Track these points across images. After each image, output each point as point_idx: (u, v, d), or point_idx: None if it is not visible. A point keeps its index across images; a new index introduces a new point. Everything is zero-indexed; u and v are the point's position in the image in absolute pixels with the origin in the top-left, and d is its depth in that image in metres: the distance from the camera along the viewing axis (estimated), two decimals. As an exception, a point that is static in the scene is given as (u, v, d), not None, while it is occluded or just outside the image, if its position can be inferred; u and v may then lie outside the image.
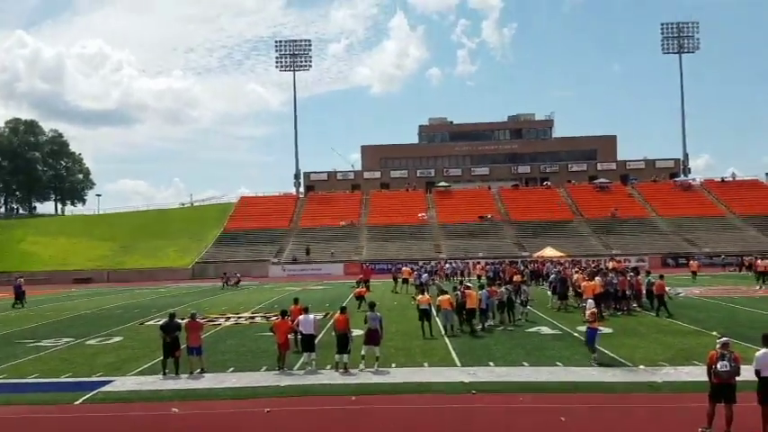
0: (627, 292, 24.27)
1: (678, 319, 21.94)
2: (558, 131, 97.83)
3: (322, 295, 34.82)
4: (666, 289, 23.90)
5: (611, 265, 35.63)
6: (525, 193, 77.75)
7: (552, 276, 28.65)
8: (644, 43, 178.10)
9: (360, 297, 26.86)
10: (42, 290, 41.49)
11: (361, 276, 36.52)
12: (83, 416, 11.89)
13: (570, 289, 26.31)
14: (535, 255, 50.46)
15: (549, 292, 27.74)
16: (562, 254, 49.40)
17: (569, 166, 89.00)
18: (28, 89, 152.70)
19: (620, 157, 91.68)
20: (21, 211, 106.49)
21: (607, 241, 61.31)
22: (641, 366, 14.72)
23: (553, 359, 15.69)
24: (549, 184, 79.88)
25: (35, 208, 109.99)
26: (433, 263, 49.08)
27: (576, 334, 19.33)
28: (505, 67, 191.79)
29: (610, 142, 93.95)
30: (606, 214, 66.86)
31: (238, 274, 47.05)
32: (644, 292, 25.24)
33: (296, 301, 18.41)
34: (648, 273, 27.76)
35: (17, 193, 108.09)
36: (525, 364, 15.23)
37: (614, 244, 60.15)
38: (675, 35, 79.59)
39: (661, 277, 24.31)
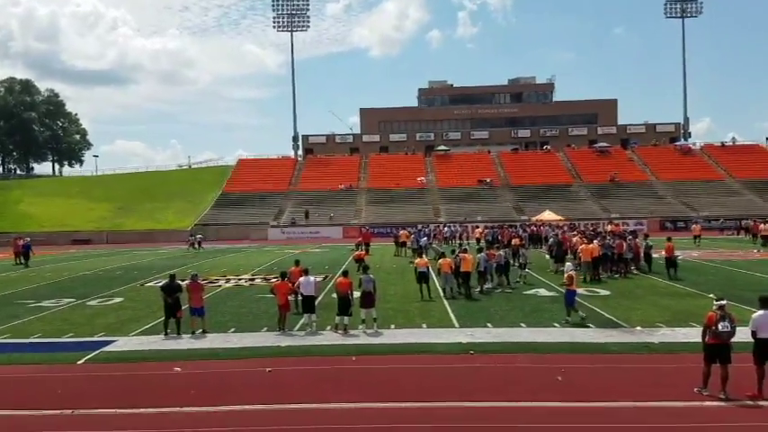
0: (625, 256, 24.40)
1: (676, 282, 22.14)
2: (559, 95, 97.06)
3: (321, 258, 34.96)
4: (662, 252, 24.07)
5: (609, 228, 35.75)
6: (525, 157, 77.43)
7: (551, 240, 28.75)
8: (647, 6, 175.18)
9: (359, 260, 26.91)
10: (41, 251, 41.57)
11: (360, 239, 36.65)
12: (86, 375, 12.04)
13: (569, 252, 26.43)
14: (534, 218, 50.58)
15: (547, 256, 27.90)
16: (561, 218, 49.51)
17: (569, 130, 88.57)
18: (22, 48, 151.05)
19: (620, 121, 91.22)
20: (18, 172, 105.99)
21: (606, 205, 61.38)
22: (638, 327, 14.89)
23: (550, 321, 15.86)
24: (548, 148, 79.56)
25: (32, 168, 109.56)
26: (431, 226, 49.18)
27: (573, 297, 19.47)
28: (507, 29, 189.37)
29: (610, 106, 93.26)
30: (605, 178, 66.77)
31: (200, 236, 47.03)
32: (642, 255, 25.44)
33: (297, 262, 18.53)
34: (646, 236, 27.84)
35: (14, 153, 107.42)
36: (523, 325, 15.39)
37: (613, 208, 60.23)
38: (678, -1, 78.21)
39: (669, 239, 24.51)
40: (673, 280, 22.53)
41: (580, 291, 20.30)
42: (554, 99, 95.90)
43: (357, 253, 28.95)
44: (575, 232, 32.41)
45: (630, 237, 27.11)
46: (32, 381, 11.66)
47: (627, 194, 64.03)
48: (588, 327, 15.04)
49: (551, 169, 71.23)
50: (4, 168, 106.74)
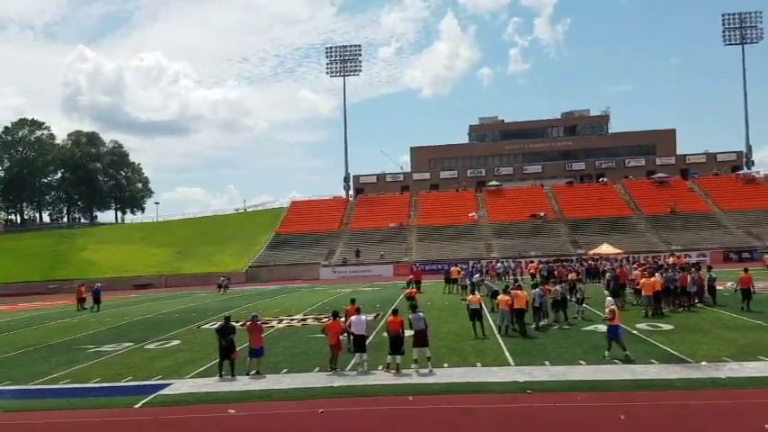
0: (689, 289, 23.39)
1: (743, 315, 21.08)
2: (615, 127, 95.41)
3: (372, 296, 34.86)
4: (728, 284, 22.98)
5: (671, 260, 34.45)
6: (580, 189, 75.96)
7: (608, 274, 27.83)
8: (704, 35, 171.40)
9: (411, 298, 26.57)
10: (103, 296, 43.00)
11: (411, 277, 36.38)
12: (143, 419, 12.18)
13: (629, 286, 25.53)
14: (591, 252, 49.25)
15: (606, 291, 26.97)
16: (619, 251, 48.07)
17: (626, 161, 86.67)
18: (89, 102, 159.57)
19: (679, 151, 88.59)
20: (82, 221, 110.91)
21: (666, 237, 59.30)
22: (703, 363, 14.17)
23: (611, 357, 15.20)
24: (605, 180, 77.83)
25: (96, 217, 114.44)
26: (483, 262, 48.53)
27: (634, 332, 18.76)
28: (559, 64, 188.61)
29: (668, 136, 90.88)
30: (665, 210, 64.70)
31: (226, 279, 48.02)
32: (706, 287, 24.35)
33: (353, 301, 18.44)
34: (710, 268, 26.64)
35: (79, 203, 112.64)
36: (582, 362, 14.83)
37: (674, 239, 58.12)
38: (737, 26, 76.27)
39: (746, 270, 23.48)
40: (745, 313, 21.43)
41: (641, 325, 19.66)
42: (610, 131, 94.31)
43: (408, 291, 28.58)
44: (635, 265, 31.35)
45: (693, 269, 25.98)
46: (91, 425, 11.88)
47: (688, 225, 61.76)
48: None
49: (608, 201, 69.59)
50: (68, 217, 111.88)
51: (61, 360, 19.06)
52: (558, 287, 21.63)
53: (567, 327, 20.16)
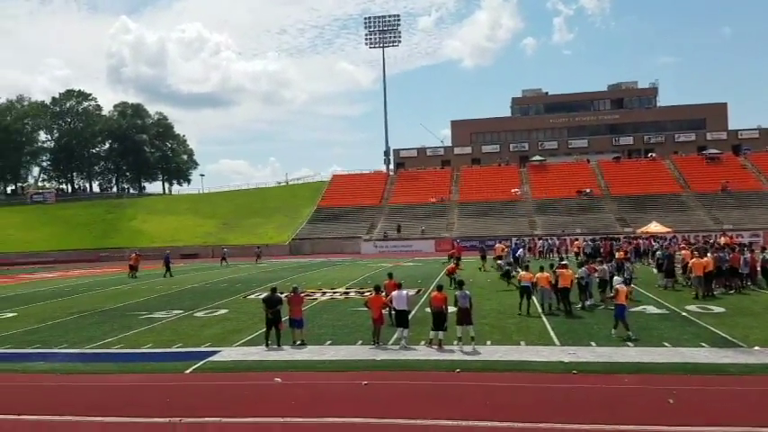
0: (741, 270, 22.65)
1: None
2: (664, 100, 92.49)
3: (413, 272, 34.93)
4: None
5: (722, 240, 33.43)
6: (628, 165, 74.00)
7: (658, 253, 27.16)
8: (757, 3, 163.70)
9: (451, 274, 26.55)
10: (151, 265, 44.29)
11: (453, 252, 36.27)
12: (193, 384, 12.58)
13: (679, 266, 24.91)
14: (639, 230, 48.19)
15: (655, 270, 26.42)
16: (668, 229, 46.90)
17: (676, 136, 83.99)
18: (133, 74, 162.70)
19: (731, 126, 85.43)
20: (131, 191, 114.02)
21: (717, 215, 57.45)
22: (756, 347, 13.75)
23: (660, 339, 14.95)
24: (653, 155, 75.54)
25: (144, 188, 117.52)
26: (525, 239, 48.00)
27: (684, 313, 18.36)
28: (606, 33, 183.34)
29: (720, 110, 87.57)
30: (716, 187, 62.58)
31: (226, 250, 50.64)
32: (759, 269, 23.54)
33: (390, 275, 18.61)
34: (764, 249, 25.72)
35: (127, 173, 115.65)
36: (629, 344, 14.56)
37: (725, 218, 56.26)
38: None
39: None
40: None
41: (691, 307, 19.20)
42: (658, 104, 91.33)
43: (449, 267, 28.58)
44: (683, 245, 30.54)
45: (746, 249, 25.13)
46: (143, 389, 12.31)
47: (740, 204, 59.64)
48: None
49: (657, 178, 67.70)
50: (117, 188, 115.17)
51: (114, 326, 19.78)
52: (605, 266, 21.25)
53: (613, 307, 19.78)
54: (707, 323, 16.68)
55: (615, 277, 17.80)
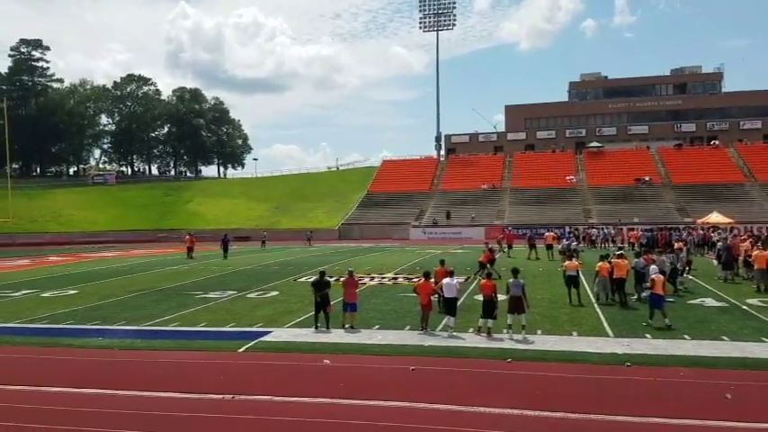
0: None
1: None
2: (729, 86, 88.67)
3: (463, 259, 34.64)
4: None
5: (789, 233, 31.88)
6: (689, 153, 71.34)
7: (719, 245, 26.14)
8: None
9: (486, 263, 24.89)
10: (207, 246, 45.47)
11: (502, 237, 35.87)
12: (245, 363, 12.86)
13: (740, 258, 23.92)
14: (699, 221, 46.48)
15: (715, 262, 25.46)
16: (731, 220, 45.07)
17: (741, 123, 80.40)
18: (191, 59, 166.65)
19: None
20: (188, 174, 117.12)
21: (784, 207, 54.83)
22: (827, 346, 13.05)
23: (718, 333, 14.41)
24: (717, 143, 72.57)
25: (200, 171, 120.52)
26: (580, 228, 46.98)
27: (744, 307, 17.67)
28: (669, 16, 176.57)
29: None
30: (783, 177, 59.70)
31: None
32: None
33: (442, 262, 18.60)
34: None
35: (185, 157, 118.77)
36: (686, 337, 14.09)
37: (793, 210, 53.65)
38: None
39: None
40: None
41: (753, 301, 18.44)
42: (723, 90, 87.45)
43: (484, 255, 26.38)
44: (744, 236, 29.29)
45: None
46: (198, 366, 12.67)
47: (811, 195, 56.70)
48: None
49: (720, 166, 65.07)
50: (175, 170, 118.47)
51: (171, 304, 20.43)
52: (663, 257, 20.57)
53: (671, 299, 19.19)
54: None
55: (652, 266, 17.29)
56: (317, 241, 54.87)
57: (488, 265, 23.66)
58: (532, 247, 34.84)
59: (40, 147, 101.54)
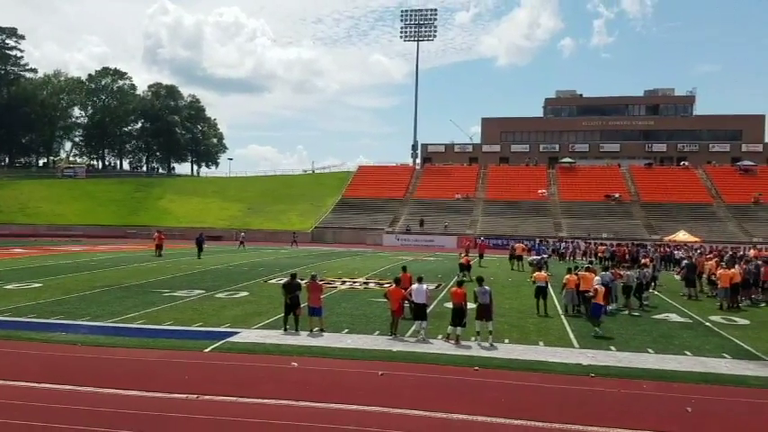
0: (768, 284, 22.19)
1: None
2: (700, 109, 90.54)
3: (434, 267, 34.87)
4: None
5: (751, 253, 32.77)
6: (659, 172, 72.79)
7: (684, 261, 26.74)
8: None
9: (465, 267, 27.61)
10: (177, 244, 44.88)
11: (468, 245, 36.52)
12: (212, 363, 12.71)
13: (704, 276, 24.51)
14: (667, 239, 47.46)
15: (678, 277, 26.04)
16: (697, 239, 46.08)
17: (710, 146, 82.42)
18: (169, 55, 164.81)
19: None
20: (161, 171, 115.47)
21: (748, 228, 56.26)
22: (782, 362, 13.43)
23: (681, 348, 14.71)
24: (686, 164, 74.18)
25: (173, 168, 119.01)
26: (550, 240, 47.59)
27: (707, 323, 18.04)
28: (645, 38, 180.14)
29: (757, 122, 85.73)
30: (749, 199, 61.37)
31: (243, 234, 52.22)
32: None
33: (404, 269, 19.04)
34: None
35: (158, 153, 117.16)
36: (650, 351, 14.37)
37: (756, 232, 55.08)
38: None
39: None
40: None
41: (715, 318, 18.87)
42: (694, 113, 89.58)
43: (464, 258, 29.33)
44: (710, 255, 30.02)
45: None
46: (162, 364, 12.50)
47: (773, 218, 58.30)
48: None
49: (689, 187, 66.64)
50: (147, 167, 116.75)
51: (137, 301, 20.10)
52: (630, 272, 20.98)
53: (636, 314, 19.54)
54: (730, 335, 16.38)
55: (596, 278, 17.74)
56: (288, 243, 54.49)
57: (467, 271, 25.52)
58: (512, 258, 34.87)
59: (10, 137, 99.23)
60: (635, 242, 43.58)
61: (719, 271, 21.90)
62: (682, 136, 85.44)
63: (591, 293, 16.61)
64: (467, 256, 30.77)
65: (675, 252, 36.54)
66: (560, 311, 19.16)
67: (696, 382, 11.82)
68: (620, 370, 12.59)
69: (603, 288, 16.63)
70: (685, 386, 11.55)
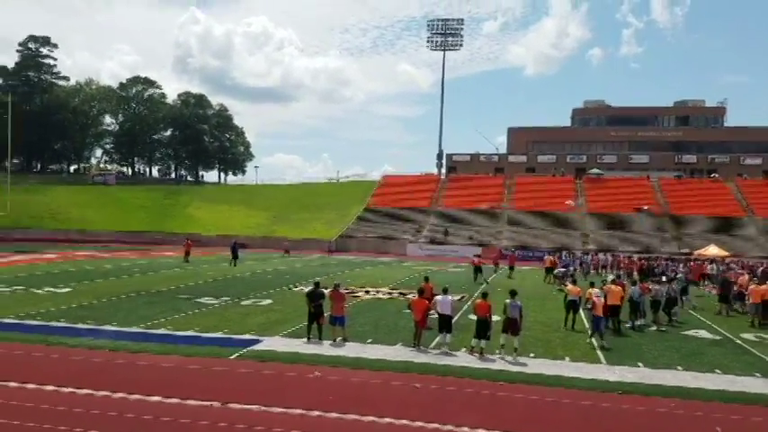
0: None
1: None
2: (731, 121, 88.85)
3: (459, 278, 34.62)
4: None
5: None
6: (689, 184, 71.49)
7: (719, 277, 26.19)
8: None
9: (479, 268, 28.68)
10: (204, 251, 45.35)
11: (496, 257, 36.65)
12: (235, 371, 12.77)
13: (736, 291, 23.97)
14: (696, 252, 46.49)
15: (713, 292, 25.49)
16: (727, 253, 45.05)
17: (741, 158, 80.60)
18: (199, 64, 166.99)
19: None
20: (188, 178, 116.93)
21: (781, 243, 54.90)
22: (816, 383, 13.03)
23: (711, 365, 14.38)
24: (716, 176, 72.77)
25: (202, 176, 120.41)
26: (577, 253, 46.99)
27: (738, 341, 17.61)
28: (675, 48, 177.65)
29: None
30: (782, 213, 59.86)
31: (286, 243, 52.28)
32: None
33: (426, 279, 19.24)
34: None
35: (186, 161, 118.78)
36: (679, 368, 14.07)
37: (790, 247, 53.72)
38: None
39: None
40: None
41: (747, 335, 18.42)
42: (725, 124, 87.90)
43: (477, 260, 30.11)
44: (743, 270, 29.36)
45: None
46: (187, 371, 12.60)
47: (809, 232, 56.81)
48: (753, 375, 13.37)
49: (719, 200, 65.24)
50: (176, 174, 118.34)
51: (164, 307, 20.35)
52: (658, 286, 20.60)
53: (664, 329, 19.16)
54: (762, 353, 15.97)
55: (594, 289, 17.41)
56: (314, 252, 54.63)
57: (480, 273, 26.70)
58: (546, 270, 34.29)
59: (43, 143, 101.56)
60: (655, 255, 42.70)
61: (751, 286, 21.41)
62: (712, 148, 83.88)
63: (589, 306, 16.68)
64: (479, 257, 31.23)
65: (707, 267, 35.74)
66: (587, 326, 18.85)
67: (726, 402, 11.54)
68: (648, 387, 12.35)
69: (602, 300, 16.64)
70: (714, 405, 11.29)
